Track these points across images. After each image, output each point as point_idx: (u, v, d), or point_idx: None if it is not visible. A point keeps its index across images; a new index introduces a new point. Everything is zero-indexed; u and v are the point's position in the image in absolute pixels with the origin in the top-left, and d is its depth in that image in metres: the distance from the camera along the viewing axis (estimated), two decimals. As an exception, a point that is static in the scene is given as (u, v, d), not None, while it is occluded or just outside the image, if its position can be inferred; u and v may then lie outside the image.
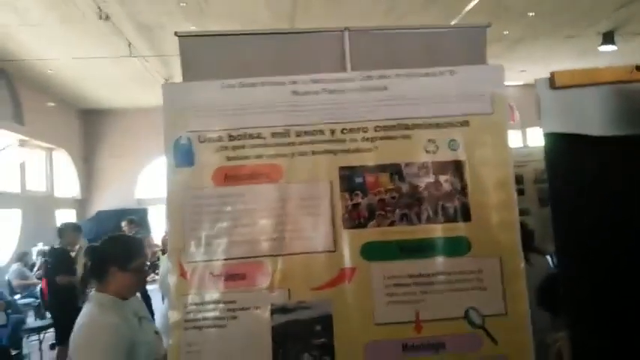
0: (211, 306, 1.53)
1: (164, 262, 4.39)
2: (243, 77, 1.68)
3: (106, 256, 2.21)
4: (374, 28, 1.90)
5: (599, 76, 1.94)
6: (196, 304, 1.53)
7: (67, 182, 12.53)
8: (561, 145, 1.75)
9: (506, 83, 1.75)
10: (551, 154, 1.74)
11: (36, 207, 10.65)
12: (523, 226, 2.00)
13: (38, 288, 7.33)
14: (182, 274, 1.55)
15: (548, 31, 7.43)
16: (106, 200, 12.31)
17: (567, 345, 1.90)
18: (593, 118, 1.81)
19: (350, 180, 1.62)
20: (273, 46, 1.86)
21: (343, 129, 1.65)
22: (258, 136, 1.63)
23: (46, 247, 9.46)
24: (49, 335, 6.73)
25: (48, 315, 6.99)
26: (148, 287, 5.37)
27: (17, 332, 6.00)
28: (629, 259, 1.64)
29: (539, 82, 1.83)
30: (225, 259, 1.56)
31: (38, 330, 6.53)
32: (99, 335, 2.00)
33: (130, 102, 12.46)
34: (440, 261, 1.60)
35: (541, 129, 1.76)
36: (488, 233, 1.61)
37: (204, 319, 1.52)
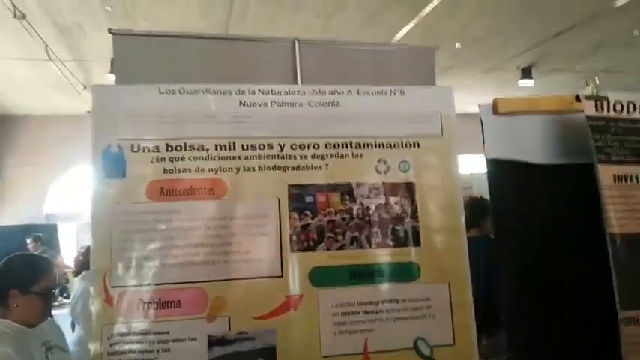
0: (140, 337, 1.34)
1: (76, 285, 4.01)
2: (183, 82, 1.53)
3: (6, 277, 1.95)
4: (325, 40, 1.83)
5: (540, 104, 2.01)
6: (122, 334, 1.34)
7: (-34, 192, 11.33)
8: (504, 172, 1.77)
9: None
10: (493, 179, 1.75)
11: None
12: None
13: None
14: (107, 299, 1.35)
15: (472, 63, 7.85)
16: (12, 214, 11.22)
17: None
18: (533, 145, 1.86)
19: (299, 199, 1.52)
20: (218, 53, 1.73)
21: (293, 144, 1.55)
22: (201, 148, 1.49)
23: None
24: None
25: None
26: (55, 312, 4.89)
27: None
28: (572, 289, 1.67)
29: (482, 108, 1.85)
30: (157, 284, 1.39)
31: None
32: None
33: (44, 109, 11.57)
34: (390, 287, 1.53)
35: (484, 154, 1.78)
36: (438, 259, 1.57)
37: (131, 351, 1.33)
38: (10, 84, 9.93)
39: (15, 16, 6.35)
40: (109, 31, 1.58)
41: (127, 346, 1.34)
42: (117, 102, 1.48)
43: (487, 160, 1.76)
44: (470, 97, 3.92)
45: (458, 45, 6.93)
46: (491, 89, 8.68)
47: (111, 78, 8.15)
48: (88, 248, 4.13)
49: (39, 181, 12.01)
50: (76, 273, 3.83)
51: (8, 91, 10.38)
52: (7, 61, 8.52)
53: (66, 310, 4.49)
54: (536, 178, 1.80)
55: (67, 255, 7.98)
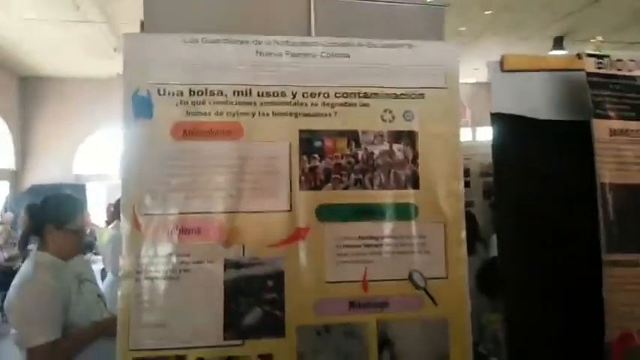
0: (164, 258, 1.52)
1: (107, 233, 4.28)
2: (205, 33, 1.67)
3: (42, 214, 2.16)
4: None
5: (545, 62, 2.09)
6: (149, 256, 1.52)
7: (2, 151, 11.81)
8: (506, 125, 1.86)
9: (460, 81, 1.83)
10: (497, 133, 1.85)
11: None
12: (470, 216, 2.12)
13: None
14: (136, 226, 1.53)
15: (503, 31, 7.74)
16: (42, 174, 11.68)
17: (503, 326, 2.04)
18: (538, 102, 1.95)
19: (309, 143, 1.65)
20: (237, 4, 1.86)
21: (304, 93, 1.68)
22: (220, 93, 1.63)
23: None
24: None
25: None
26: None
27: None
28: (564, 237, 1.78)
29: (490, 65, 1.95)
30: (180, 213, 1.56)
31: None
32: (30, 295, 1.96)
33: (74, 71, 11.88)
34: (389, 225, 1.67)
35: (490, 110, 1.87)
36: (435, 201, 1.70)
37: (157, 270, 1.51)
38: (41, 46, 10.19)
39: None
40: (139, -17, 1.71)
41: (152, 266, 1.52)
42: (145, 49, 1.62)
43: (491, 114, 1.86)
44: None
45: (488, 12, 6.83)
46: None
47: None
48: (118, 201, 4.38)
49: (68, 142, 12.41)
50: (108, 223, 4.09)
51: (39, 52, 10.67)
52: (38, 22, 8.74)
53: (95, 266, 4.78)
54: (536, 131, 1.89)
55: (95, 214, 8.32)
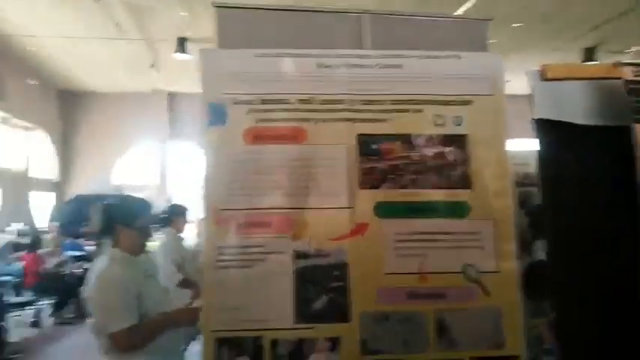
0: (241, 249, 1.70)
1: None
2: (268, 48, 1.85)
3: (113, 214, 2.38)
4: (388, 12, 2.10)
5: (583, 71, 2.20)
6: (227, 247, 1.70)
7: (44, 163, 12.35)
8: (550, 130, 1.98)
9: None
10: (540, 137, 1.97)
11: (13, 186, 10.50)
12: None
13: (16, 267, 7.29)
14: (216, 221, 1.71)
15: (533, 44, 7.79)
16: (83, 184, 12.17)
17: (547, 329, 2.12)
18: (577, 109, 2.06)
19: (367, 146, 1.81)
20: (297, 22, 2.04)
21: (362, 100, 1.84)
22: (286, 102, 1.81)
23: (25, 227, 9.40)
24: (28, 313, 6.73)
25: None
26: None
27: (1, 305, 5.98)
28: (613, 243, 1.87)
29: (530, 74, 2.06)
30: (253, 209, 1.73)
31: (19, 305, 6.52)
32: (108, 285, 2.17)
33: (113, 86, 12.37)
34: (443, 222, 1.80)
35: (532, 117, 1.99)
36: (486, 199, 1.83)
37: (234, 260, 1.69)
38: (82, 63, 10.68)
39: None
40: (213, 4, 1.91)
41: (230, 257, 1.69)
42: (221, 64, 1.82)
43: (534, 120, 1.98)
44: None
45: (517, 25, 6.91)
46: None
47: (177, 57, 8.68)
48: (173, 205, 4.60)
49: (107, 154, 12.91)
50: (159, 226, 4.31)
51: (81, 69, 11.17)
52: (78, 39, 9.18)
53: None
54: (579, 136, 1.99)
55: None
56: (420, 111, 1.86)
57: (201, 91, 1.80)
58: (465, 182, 1.83)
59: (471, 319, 1.74)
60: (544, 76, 2.07)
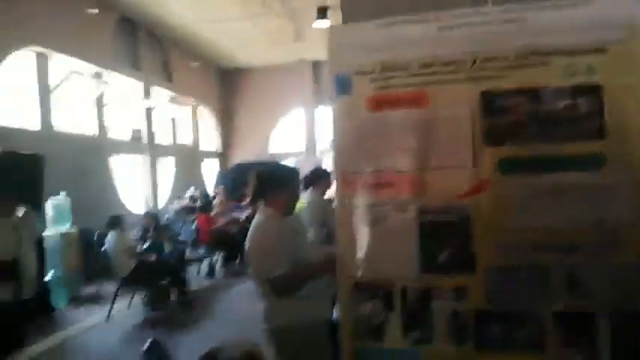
0: (369, 208, 1.87)
1: (302, 200, 4.94)
2: (391, 16, 1.93)
3: (265, 180, 2.74)
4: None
5: None
6: (357, 206, 1.88)
7: (209, 136, 13.93)
8: None
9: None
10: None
11: (185, 157, 12.09)
12: None
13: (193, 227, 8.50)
14: (346, 183, 1.90)
15: None
16: (243, 154, 13.53)
17: None
18: None
19: (491, 103, 1.82)
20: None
21: (485, 58, 1.84)
22: (407, 68, 1.89)
23: (197, 192, 10.84)
24: (203, 266, 7.84)
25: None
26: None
27: (182, 259, 7.10)
28: None
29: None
30: (379, 171, 1.88)
31: (196, 260, 7.64)
32: (266, 236, 2.53)
33: (263, 60, 13.34)
34: (574, 175, 1.75)
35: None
36: (623, 151, 1.72)
37: (363, 218, 1.87)
38: (236, 42, 11.67)
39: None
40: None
41: (360, 216, 1.88)
42: (345, 38, 1.97)
43: None
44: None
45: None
46: None
47: (318, 26, 9.02)
48: (313, 171, 5.01)
49: (262, 125, 14.08)
50: (304, 188, 4.73)
51: (235, 48, 12.22)
52: (233, 22, 10.03)
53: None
54: None
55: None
56: (546, 63, 1.80)
57: (328, 64, 1.97)
58: (599, 133, 1.74)
59: (605, 275, 1.70)
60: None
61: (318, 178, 4.81)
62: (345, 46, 1.96)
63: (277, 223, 2.58)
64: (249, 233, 2.63)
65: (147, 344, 3.54)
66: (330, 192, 4.62)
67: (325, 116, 13.56)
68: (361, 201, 1.89)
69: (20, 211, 4.37)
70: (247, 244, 2.60)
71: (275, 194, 2.72)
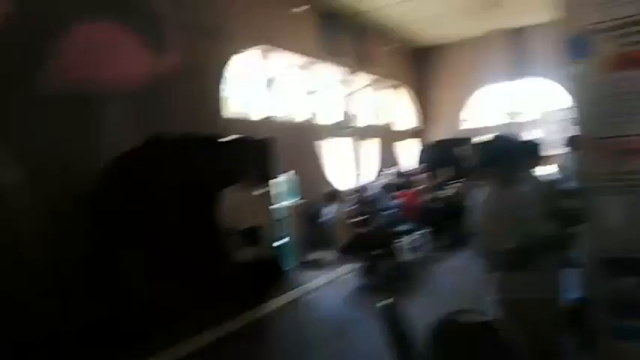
0: (621, 176, 1.79)
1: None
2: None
3: (479, 156, 2.75)
4: None
5: None
6: (607, 174, 1.82)
7: (408, 116, 14.16)
8: None
9: None
10: None
11: (386, 137, 12.54)
12: None
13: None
14: (593, 149, 1.85)
15: None
16: (440, 131, 13.44)
17: None
18: None
19: None
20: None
21: None
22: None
23: (399, 170, 11.22)
24: (407, 240, 8.10)
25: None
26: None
27: (391, 233, 7.46)
28: None
29: None
30: (631, 136, 1.78)
31: (402, 234, 7.92)
32: (494, 211, 2.57)
33: (452, 36, 12.99)
34: None
35: None
36: None
37: (613, 187, 1.80)
38: (425, 22, 11.59)
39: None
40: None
41: (610, 183, 1.81)
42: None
43: None
44: None
45: None
46: None
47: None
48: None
49: (457, 101, 13.76)
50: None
51: (424, 28, 12.13)
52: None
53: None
54: None
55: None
56: None
57: (564, 27, 1.92)
58: None
59: None
60: None
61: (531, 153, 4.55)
62: (584, 6, 1.89)
63: (505, 196, 2.58)
64: (477, 207, 2.68)
65: (384, 302, 3.72)
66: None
67: (529, 87, 12.65)
68: (611, 168, 1.82)
69: (261, 186, 5.18)
70: (476, 217, 2.66)
71: (501, 167, 2.71)
